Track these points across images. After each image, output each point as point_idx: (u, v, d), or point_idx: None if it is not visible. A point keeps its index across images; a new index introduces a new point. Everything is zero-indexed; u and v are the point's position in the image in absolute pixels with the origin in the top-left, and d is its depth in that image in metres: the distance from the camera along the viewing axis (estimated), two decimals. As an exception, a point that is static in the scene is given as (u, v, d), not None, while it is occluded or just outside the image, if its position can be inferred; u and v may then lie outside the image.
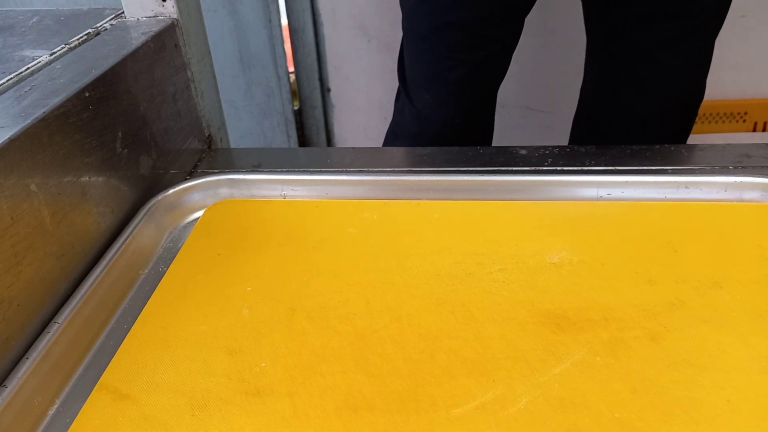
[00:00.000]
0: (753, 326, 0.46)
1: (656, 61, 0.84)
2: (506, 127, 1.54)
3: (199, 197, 0.65)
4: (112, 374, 0.46)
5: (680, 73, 0.86)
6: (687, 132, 0.92)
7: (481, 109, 0.95)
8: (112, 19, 0.71)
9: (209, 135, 0.77)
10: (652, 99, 0.88)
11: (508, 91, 1.50)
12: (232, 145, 0.83)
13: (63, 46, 0.63)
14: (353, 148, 0.77)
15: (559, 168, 0.67)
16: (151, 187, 0.64)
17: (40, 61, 0.60)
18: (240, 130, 1.61)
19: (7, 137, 0.45)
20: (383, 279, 0.53)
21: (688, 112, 0.90)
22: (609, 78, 0.91)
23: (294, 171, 0.68)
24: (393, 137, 0.99)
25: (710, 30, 0.84)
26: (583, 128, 1.00)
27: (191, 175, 0.71)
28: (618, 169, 0.65)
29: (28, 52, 0.62)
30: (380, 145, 1.05)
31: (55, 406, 0.45)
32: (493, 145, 0.98)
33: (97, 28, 0.68)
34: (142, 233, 0.59)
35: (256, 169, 0.71)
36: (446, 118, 0.91)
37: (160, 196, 0.62)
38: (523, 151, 0.70)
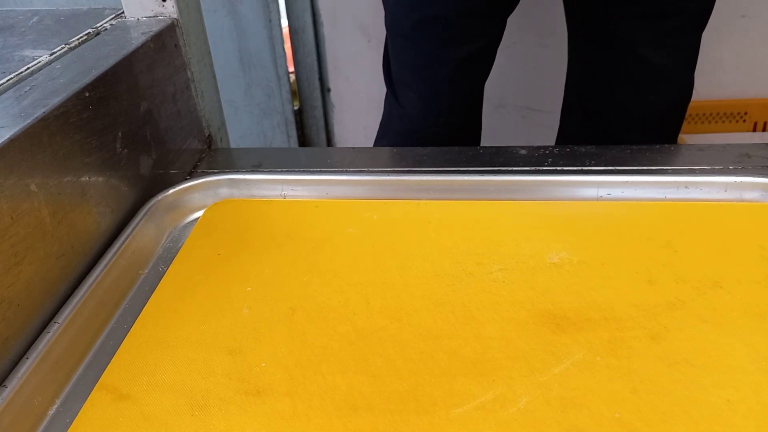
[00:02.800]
0: (753, 326, 0.46)
1: (646, 59, 0.84)
2: (506, 127, 1.54)
3: (199, 197, 0.65)
4: (112, 374, 0.46)
5: (670, 71, 0.86)
6: (679, 128, 0.93)
7: (468, 107, 0.94)
8: (112, 19, 0.71)
9: (209, 135, 0.77)
10: (642, 97, 0.88)
11: (508, 91, 1.51)
12: (232, 145, 0.83)
13: (63, 46, 0.63)
14: (353, 148, 0.77)
15: (559, 168, 0.67)
16: (151, 187, 0.64)
17: (40, 61, 0.60)
18: (240, 130, 1.61)
19: (7, 137, 0.45)
20: (383, 279, 0.53)
21: (679, 109, 0.91)
22: (598, 77, 0.91)
23: (294, 171, 0.68)
24: (381, 136, 0.99)
25: (698, 27, 0.85)
26: (576, 126, 0.99)
27: (191, 175, 0.71)
28: (618, 169, 0.65)
29: (28, 52, 0.62)
30: (381, 145, 1.05)
31: (55, 406, 0.45)
32: (493, 145, 0.98)
33: (97, 28, 0.68)
34: (142, 233, 0.59)
35: (256, 169, 0.71)
36: (432, 117, 0.91)
37: (160, 196, 0.62)
38: (523, 151, 0.70)
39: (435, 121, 0.91)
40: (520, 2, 0.89)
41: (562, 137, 1.03)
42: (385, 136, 0.98)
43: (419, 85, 0.90)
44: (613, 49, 0.87)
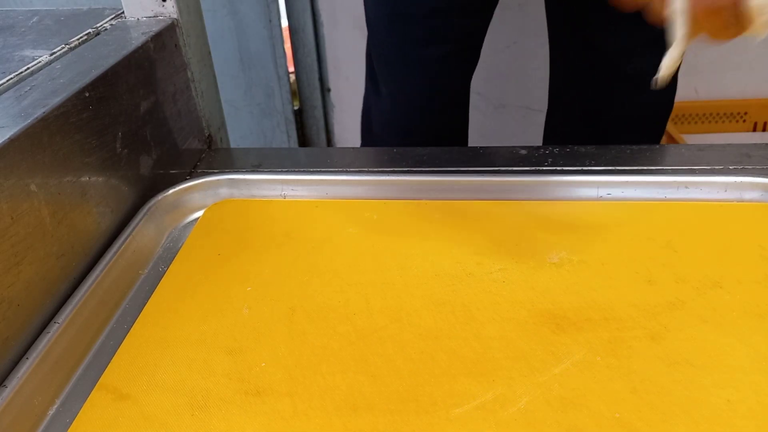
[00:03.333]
0: (753, 326, 0.46)
1: (643, 61, 0.84)
2: (506, 127, 1.54)
3: (199, 197, 0.65)
4: (112, 374, 0.46)
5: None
6: (662, 131, 0.92)
7: (447, 106, 0.92)
8: (112, 19, 0.71)
9: (209, 135, 0.77)
10: (638, 99, 0.88)
11: (508, 91, 1.51)
12: (232, 145, 0.83)
13: (63, 46, 0.63)
14: (353, 148, 0.77)
15: (559, 168, 0.67)
16: (151, 187, 0.64)
17: (40, 61, 0.60)
18: (240, 130, 1.61)
19: (7, 137, 0.45)
20: (383, 279, 0.53)
21: (668, 109, 0.90)
22: (598, 78, 0.91)
23: (294, 171, 0.68)
24: (366, 133, 0.98)
25: None
26: (565, 125, 0.99)
27: (191, 175, 0.71)
28: (618, 169, 0.65)
29: (28, 52, 0.62)
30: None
31: (55, 406, 0.45)
32: (496, 145, 0.98)
33: (97, 28, 0.69)
34: (142, 233, 0.59)
35: (256, 169, 0.71)
36: (413, 115, 0.89)
37: (160, 196, 0.62)
38: (523, 151, 0.70)
39: (415, 119, 0.89)
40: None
41: (548, 136, 1.02)
42: (369, 132, 0.97)
43: (396, 83, 0.88)
44: (610, 52, 0.87)
